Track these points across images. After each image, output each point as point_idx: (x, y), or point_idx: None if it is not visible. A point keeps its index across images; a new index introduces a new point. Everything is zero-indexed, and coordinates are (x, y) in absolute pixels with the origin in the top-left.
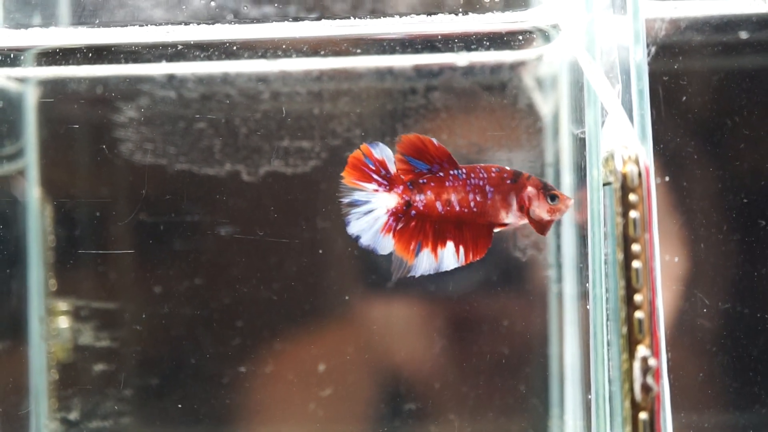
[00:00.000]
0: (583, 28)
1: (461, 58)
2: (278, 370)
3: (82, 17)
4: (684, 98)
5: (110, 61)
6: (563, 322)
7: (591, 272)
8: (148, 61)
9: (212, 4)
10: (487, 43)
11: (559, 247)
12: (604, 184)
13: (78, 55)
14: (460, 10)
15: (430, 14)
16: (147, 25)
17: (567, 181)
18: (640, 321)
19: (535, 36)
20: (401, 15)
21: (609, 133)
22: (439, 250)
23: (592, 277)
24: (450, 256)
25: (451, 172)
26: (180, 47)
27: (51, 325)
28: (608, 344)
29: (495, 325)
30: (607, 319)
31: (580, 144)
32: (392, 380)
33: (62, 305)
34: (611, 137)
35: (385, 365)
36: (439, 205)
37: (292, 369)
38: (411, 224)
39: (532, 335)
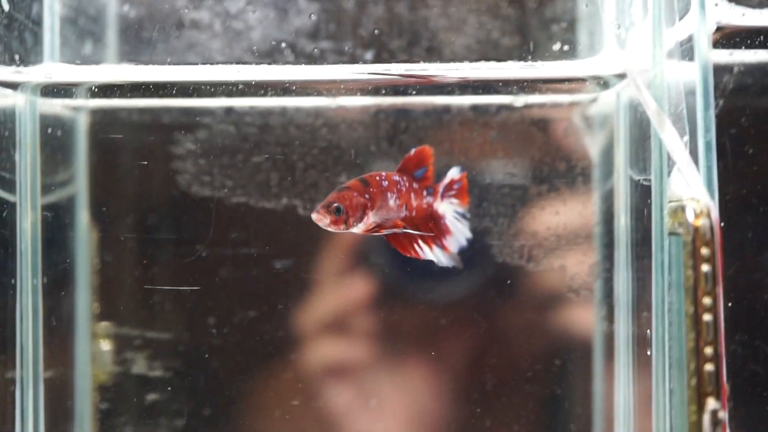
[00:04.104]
0: (649, 79)
1: (518, 100)
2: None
3: (139, 48)
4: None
5: (167, 96)
6: (615, 364)
7: (654, 319)
8: (207, 95)
9: (272, 42)
10: (545, 88)
11: (612, 289)
12: (670, 234)
13: (134, 88)
14: (529, 57)
15: (498, 60)
16: (207, 64)
17: (623, 223)
18: (709, 373)
19: (592, 83)
20: (462, 60)
21: (676, 184)
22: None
23: (655, 325)
24: None
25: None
26: (240, 86)
27: (93, 348)
28: (671, 392)
29: (546, 363)
30: (670, 367)
31: (641, 190)
32: (438, 417)
33: (105, 328)
34: (678, 188)
35: (430, 404)
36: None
37: None
38: None
39: (584, 375)
